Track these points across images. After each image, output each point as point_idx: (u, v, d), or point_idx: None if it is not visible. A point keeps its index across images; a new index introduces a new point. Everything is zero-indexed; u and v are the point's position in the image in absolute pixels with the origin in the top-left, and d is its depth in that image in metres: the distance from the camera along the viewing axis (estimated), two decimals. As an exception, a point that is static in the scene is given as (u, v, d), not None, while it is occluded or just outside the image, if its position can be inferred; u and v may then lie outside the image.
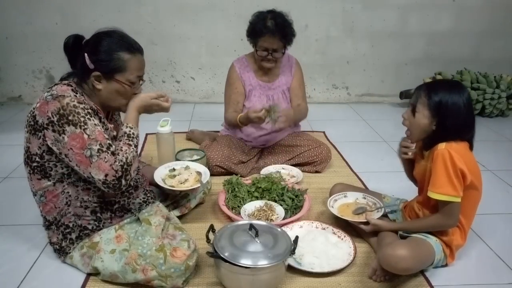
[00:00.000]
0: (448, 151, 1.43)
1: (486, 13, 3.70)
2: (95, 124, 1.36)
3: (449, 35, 3.76)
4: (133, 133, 1.45)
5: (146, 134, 3.00)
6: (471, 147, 1.54)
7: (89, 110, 1.37)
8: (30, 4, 3.40)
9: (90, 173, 1.34)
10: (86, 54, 1.39)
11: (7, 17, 3.43)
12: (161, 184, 1.71)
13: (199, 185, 1.74)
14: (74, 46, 1.44)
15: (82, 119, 1.33)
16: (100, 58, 1.39)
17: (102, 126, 1.43)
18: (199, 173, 1.80)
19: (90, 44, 1.42)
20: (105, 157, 1.33)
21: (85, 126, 1.33)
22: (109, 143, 1.36)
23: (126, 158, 1.37)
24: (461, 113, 1.46)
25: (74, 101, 1.34)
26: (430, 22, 3.71)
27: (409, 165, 1.75)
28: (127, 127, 1.46)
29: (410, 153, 1.66)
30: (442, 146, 1.47)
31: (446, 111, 1.45)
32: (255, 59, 2.39)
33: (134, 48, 1.45)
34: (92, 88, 1.44)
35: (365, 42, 3.77)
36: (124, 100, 1.49)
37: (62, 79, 1.49)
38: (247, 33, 2.32)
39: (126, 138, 1.43)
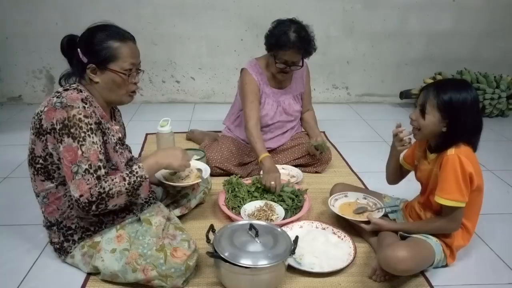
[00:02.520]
0: (458, 156, 1.43)
1: (486, 13, 3.70)
2: (93, 142, 1.36)
3: (449, 35, 3.76)
4: (137, 172, 1.42)
5: (146, 134, 3.00)
6: (474, 150, 1.52)
7: (92, 126, 1.36)
8: (30, 4, 3.40)
9: (69, 186, 1.35)
10: (78, 49, 1.41)
11: (7, 17, 3.43)
12: (162, 180, 1.71)
13: (200, 180, 1.74)
14: (69, 47, 1.45)
15: (82, 134, 1.34)
16: (91, 50, 1.40)
17: (104, 141, 1.43)
18: (199, 170, 1.80)
19: (82, 40, 1.44)
20: (88, 179, 1.33)
21: (83, 142, 1.34)
22: (99, 165, 1.36)
23: (110, 189, 1.36)
24: (471, 113, 1.44)
25: (81, 114, 1.34)
26: (430, 22, 3.71)
27: (396, 163, 1.74)
28: (137, 165, 1.45)
29: (407, 142, 1.62)
30: (451, 151, 1.45)
31: (457, 112, 1.43)
32: (267, 64, 2.33)
33: (124, 36, 1.45)
34: (90, 82, 1.45)
35: (365, 42, 3.77)
36: (123, 91, 1.49)
37: (61, 79, 1.49)
38: (267, 42, 2.22)
39: (127, 172, 1.42)
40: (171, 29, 3.59)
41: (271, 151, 2.45)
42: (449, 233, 1.56)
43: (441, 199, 1.47)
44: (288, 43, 2.12)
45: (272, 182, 1.98)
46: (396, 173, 1.78)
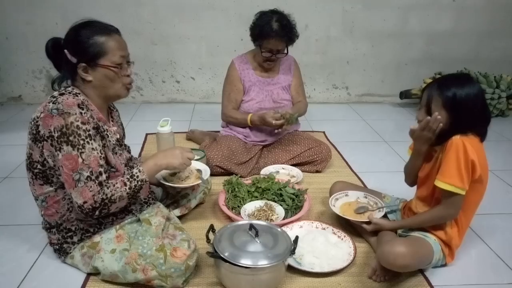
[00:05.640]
0: (463, 141, 1.42)
1: (486, 13, 3.70)
2: (92, 149, 1.36)
3: (449, 35, 3.76)
4: (137, 176, 1.44)
5: (146, 134, 3.00)
6: (482, 140, 1.51)
7: (90, 132, 1.36)
8: (30, 4, 3.41)
9: (71, 193, 1.35)
10: (65, 50, 1.39)
11: (7, 17, 3.43)
12: (162, 181, 1.71)
13: (200, 181, 1.74)
14: (55, 49, 1.42)
15: (81, 141, 1.33)
16: (79, 49, 1.38)
17: (103, 144, 1.43)
18: (199, 171, 1.80)
19: (67, 40, 1.41)
20: (91, 186, 1.34)
21: (82, 150, 1.33)
22: (100, 171, 1.36)
23: (112, 195, 1.37)
24: (477, 105, 1.44)
25: (78, 120, 1.33)
26: (430, 22, 3.71)
27: (417, 162, 1.66)
28: (137, 169, 1.45)
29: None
30: (457, 137, 1.45)
31: (461, 107, 1.43)
32: (254, 55, 2.44)
33: (109, 29, 1.42)
34: (83, 83, 1.43)
35: (365, 42, 3.77)
36: (118, 84, 1.46)
37: (54, 83, 1.46)
38: (251, 33, 2.34)
39: (128, 176, 1.43)
40: (171, 29, 3.59)
41: (268, 146, 2.48)
42: (445, 228, 1.56)
43: (440, 183, 1.46)
44: (271, 32, 2.23)
45: (274, 116, 2.24)
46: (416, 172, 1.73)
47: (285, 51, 2.35)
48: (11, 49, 3.55)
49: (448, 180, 1.44)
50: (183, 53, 3.70)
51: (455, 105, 1.43)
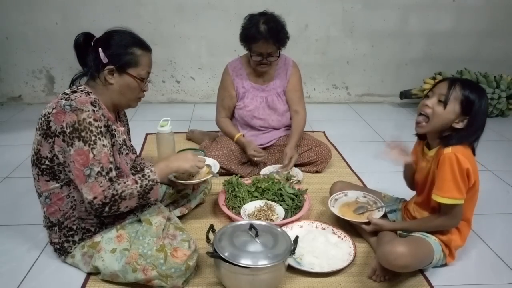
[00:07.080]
0: (455, 154, 1.44)
1: (486, 13, 3.71)
2: (103, 145, 1.37)
3: (449, 35, 3.76)
4: (148, 176, 1.44)
5: (146, 134, 3.00)
6: (474, 152, 1.53)
7: (102, 129, 1.38)
8: (30, 4, 3.40)
9: (81, 189, 1.36)
10: (100, 49, 1.42)
11: (7, 17, 3.43)
12: (173, 179, 1.70)
13: (211, 176, 1.75)
14: (85, 44, 1.46)
15: (93, 137, 1.35)
16: (114, 52, 1.43)
17: (112, 144, 1.44)
18: (208, 166, 1.79)
19: (102, 40, 1.45)
20: (101, 182, 1.34)
21: (94, 145, 1.35)
22: (110, 168, 1.37)
23: (123, 191, 1.37)
24: (482, 119, 1.48)
25: (91, 117, 1.35)
26: (430, 22, 3.71)
27: (410, 168, 1.72)
28: (149, 169, 1.46)
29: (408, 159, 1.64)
30: (448, 150, 1.46)
31: (474, 113, 1.45)
32: (248, 60, 2.38)
33: (147, 46, 1.52)
34: (104, 83, 1.46)
35: (365, 42, 3.77)
36: (134, 96, 1.52)
37: (74, 80, 1.49)
38: (240, 38, 2.28)
39: (140, 175, 1.43)
40: (171, 29, 3.59)
41: (268, 147, 2.47)
42: (449, 229, 1.57)
43: (439, 198, 1.47)
44: (257, 35, 2.17)
45: (255, 157, 2.27)
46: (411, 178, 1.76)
47: (277, 54, 2.29)
48: (11, 49, 3.54)
49: (447, 195, 1.45)
50: (183, 53, 3.70)
51: (471, 109, 1.45)
